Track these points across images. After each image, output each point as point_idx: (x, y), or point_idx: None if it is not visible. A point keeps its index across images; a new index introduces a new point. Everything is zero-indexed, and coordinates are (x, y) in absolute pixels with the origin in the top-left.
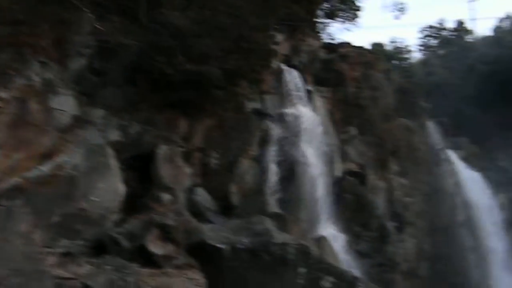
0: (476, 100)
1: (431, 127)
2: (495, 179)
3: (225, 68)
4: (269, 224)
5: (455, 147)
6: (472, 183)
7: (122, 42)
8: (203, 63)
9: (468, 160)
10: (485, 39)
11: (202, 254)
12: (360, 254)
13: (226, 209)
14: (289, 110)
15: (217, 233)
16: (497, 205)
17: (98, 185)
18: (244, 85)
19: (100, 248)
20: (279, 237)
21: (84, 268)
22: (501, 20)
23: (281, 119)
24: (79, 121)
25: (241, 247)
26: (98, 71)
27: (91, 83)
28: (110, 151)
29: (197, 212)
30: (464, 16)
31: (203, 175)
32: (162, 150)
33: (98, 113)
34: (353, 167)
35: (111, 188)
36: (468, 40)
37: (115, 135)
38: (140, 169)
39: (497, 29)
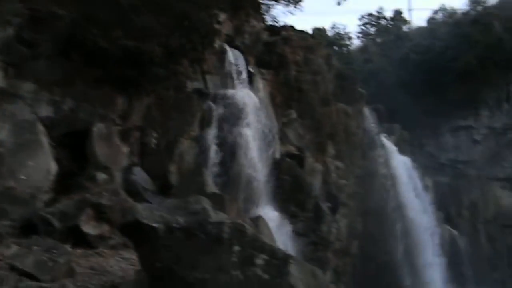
0: (409, 89)
1: (367, 112)
2: (423, 163)
3: (167, 46)
4: (206, 203)
5: (388, 133)
6: (403, 167)
7: (55, 11)
8: (143, 40)
9: (399, 145)
10: (420, 29)
11: (136, 234)
12: (295, 234)
13: (164, 189)
14: (230, 91)
15: (152, 212)
16: (424, 188)
17: (27, 163)
18: (186, 64)
19: (29, 228)
20: (216, 216)
21: (11, 249)
22: (435, 11)
23: (222, 100)
24: (6, 95)
25: (177, 226)
26: (28, 42)
27: (20, 54)
28: (41, 128)
29: (134, 192)
30: (402, 6)
31: (141, 154)
32: (98, 128)
33: (27, 87)
34: (292, 149)
35: (42, 166)
36: (404, 29)
37: (46, 111)
38: (74, 147)
39: (431, 20)
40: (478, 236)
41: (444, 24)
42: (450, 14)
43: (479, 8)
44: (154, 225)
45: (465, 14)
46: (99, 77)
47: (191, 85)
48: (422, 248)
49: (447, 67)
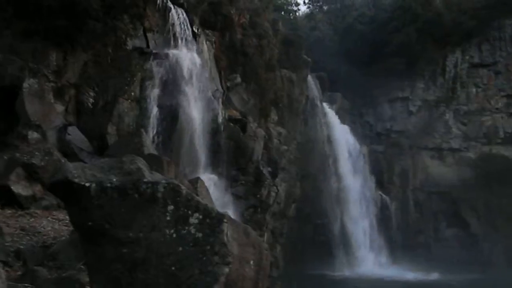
0: (352, 58)
1: (311, 80)
2: (361, 132)
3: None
4: (141, 164)
5: (330, 101)
6: (342, 135)
7: None
8: None
9: (340, 113)
10: (365, 0)
11: (67, 193)
12: (235, 197)
13: (102, 150)
14: (174, 51)
15: (84, 171)
16: (361, 155)
17: None
18: (126, 20)
19: None
20: (151, 176)
21: None
22: None
23: (165, 60)
24: None
25: (109, 186)
26: None
27: None
28: None
29: (69, 152)
30: None
31: (78, 113)
32: (29, 84)
33: None
34: (235, 114)
35: None
36: None
37: None
38: (2, 103)
39: None
40: (407, 202)
41: None
42: None
43: None
44: (85, 184)
45: None
46: (30, 29)
47: (132, 43)
48: (356, 211)
49: (389, 39)
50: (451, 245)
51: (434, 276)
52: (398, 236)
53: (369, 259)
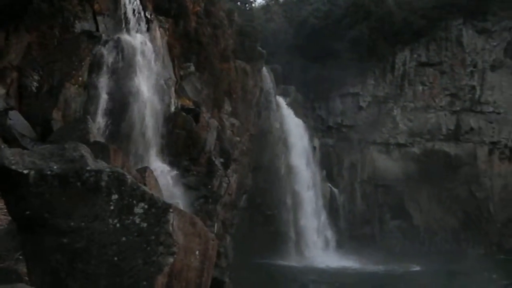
0: (306, 52)
1: (265, 72)
2: (313, 125)
3: None
4: (85, 151)
5: (284, 94)
6: (295, 128)
7: None
8: None
9: (293, 107)
10: None
11: (3, 181)
12: (187, 187)
13: (45, 136)
14: (125, 37)
15: (22, 158)
16: (312, 148)
17: None
18: (74, 1)
19: None
20: (95, 165)
21: None
22: None
23: (116, 45)
24: None
25: (50, 173)
26: None
27: None
28: None
29: (9, 138)
30: None
31: (20, 98)
32: None
33: None
34: (188, 103)
35: None
36: None
37: None
38: None
39: None
40: (355, 194)
41: None
42: None
43: None
44: (23, 171)
45: None
46: None
47: (80, 26)
48: (306, 203)
49: (342, 35)
50: (395, 236)
51: (378, 266)
52: (346, 227)
53: (318, 249)
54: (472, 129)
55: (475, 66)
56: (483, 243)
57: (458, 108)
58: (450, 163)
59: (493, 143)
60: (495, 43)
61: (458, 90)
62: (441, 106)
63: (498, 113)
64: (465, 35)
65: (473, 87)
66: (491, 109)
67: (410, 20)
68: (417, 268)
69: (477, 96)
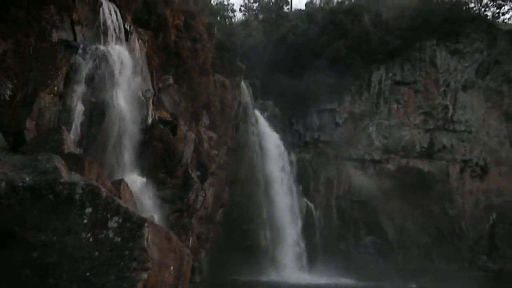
0: (285, 68)
1: (244, 86)
2: (290, 140)
3: None
4: (59, 163)
5: (262, 109)
6: (272, 142)
7: None
8: None
9: (271, 121)
10: (299, 12)
11: None
12: (162, 200)
13: (18, 146)
14: (103, 47)
15: None
16: (289, 163)
17: None
18: (52, 10)
19: None
20: (69, 177)
21: None
22: None
23: (93, 56)
24: None
25: (21, 185)
26: None
27: None
28: None
29: None
30: None
31: None
32: None
33: None
34: (165, 116)
35: None
36: (285, 10)
37: None
38: None
39: (309, 5)
40: (330, 209)
41: (321, 10)
42: (327, 1)
43: None
44: None
45: (340, 3)
46: None
47: (57, 35)
48: (282, 218)
49: (319, 52)
50: (369, 252)
51: (352, 281)
52: (321, 242)
53: (293, 264)
54: (444, 147)
55: (448, 86)
56: (455, 260)
57: (431, 126)
58: (423, 180)
59: (464, 161)
60: (467, 64)
61: (432, 109)
62: (415, 124)
63: (470, 132)
64: (438, 56)
65: (446, 106)
66: (463, 128)
67: (386, 40)
68: (390, 284)
69: (449, 115)
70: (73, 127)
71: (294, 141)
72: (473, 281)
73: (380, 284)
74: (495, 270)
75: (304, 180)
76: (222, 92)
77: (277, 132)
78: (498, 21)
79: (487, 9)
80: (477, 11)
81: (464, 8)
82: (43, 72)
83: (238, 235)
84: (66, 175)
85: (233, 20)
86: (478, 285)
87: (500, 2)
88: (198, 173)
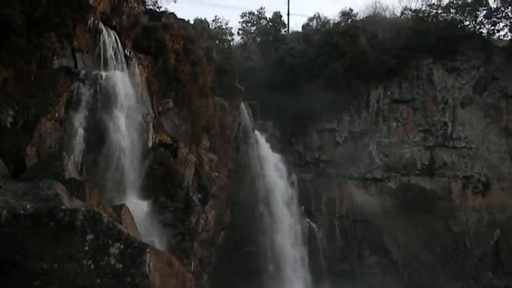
0: (283, 89)
1: (243, 108)
2: (291, 160)
3: (31, 15)
4: (60, 189)
5: (262, 130)
6: (273, 163)
7: None
8: (3, 4)
9: (271, 142)
10: (296, 34)
11: None
12: (163, 224)
13: (18, 173)
14: (103, 73)
15: None
16: (290, 183)
17: None
18: (53, 38)
19: None
20: (70, 203)
21: None
22: (311, 19)
23: (94, 81)
24: None
25: (23, 213)
26: None
27: None
28: None
29: None
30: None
31: None
32: None
33: None
34: (166, 139)
35: None
36: (282, 32)
37: None
38: None
39: (306, 27)
40: (334, 229)
41: (318, 32)
42: (323, 23)
43: (349, 20)
44: None
45: (336, 24)
46: None
47: (59, 62)
48: (285, 239)
49: (317, 73)
50: (374, 272)
51: None
52: (325, 263)
53: (297, 286)
54: (445, 163)
55: (446, 103)
56: (461, 277)
57: (431, 144)
58: (425, 198)
59: (466, 177)
60: (464, 81)
61: (431, 126)
62: (415, 142)
63: (470, 148)
64: (435, 74)
65: (445, 123)
66: (463, 144)
67: (383, 60)
68: None
69: (449, 131)
70: (74, 152)
71: (294, 161)
72: None
73: None
74: (500, 286)
75: (306, 200)
76: (221, 114)
77: (278, 152)
78: (493, 38)
79: (482, 26)
80: (472, 29)
81: (459, 26)
82: (44, 98)
83: (240, 258)
84: (67, 202)
85: (231, 43)
86: None
87: (495, 19)
88: (199, 195)
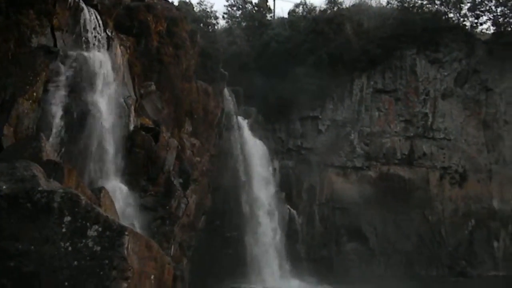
0: (268, 75)
1: (227, 94)
2: (273, 147)
3: None
4: (37, 170)
5: (245, 115)
6: (255, 149)
7: None
8: None
9: (254, 128)
10: (282, 20)
11: None
12: (144, 208)
13: None
14: (84, 53)
15: None
16: (272, 170)
17: None
18: (32, 16)
19: None
20: (47, 185)
21: None
22: (297, 5)
23: (74, 61)
24: None
25: None
26: None
27: None
28: None
29: None
30: None
31: None
32: None
33: None
34: (147, 122)
35: None
36: (268, 18)
37: None
38: None
39: (292, 13)
40: (313, 216)
41: (304, 19)
42: (309, 9)
43: (335, 8)
44: None
45: (322, 12)
46: None
47: (37, 41)
48: (265, 225)
49: (302, 60)
50: (351, 259)
51: None
52: (304, 249)
53: (276, 271)
54: (424, 154)
55: (427, 94)
56: (435, 266)
57: (411, 134)
58: (404, 187)
59: (444, 168)
60: (446, 73)
61: (412, 117)
62: (395, 132)
63: (449, 140)
64: (418, 65)
65: (426, 114)
66: (442, 135)
67: (367, 49)
68: None
69: (429, 123)
70: (52, 134)
71: (277, 148)
72: (453, 287)
73: None
74: (474, 275)
75: (287, 187)
76: (205, 99)
77: (260, 139)
78: (476, 31)
79: (465, 19)
80: (456, 21)
81: (444, 18)
82: (22, 77)
83: (221, 242)
84: (44, 183)
85: (216, 27)
86: None
87: (478, 12)
88: (180, 180)
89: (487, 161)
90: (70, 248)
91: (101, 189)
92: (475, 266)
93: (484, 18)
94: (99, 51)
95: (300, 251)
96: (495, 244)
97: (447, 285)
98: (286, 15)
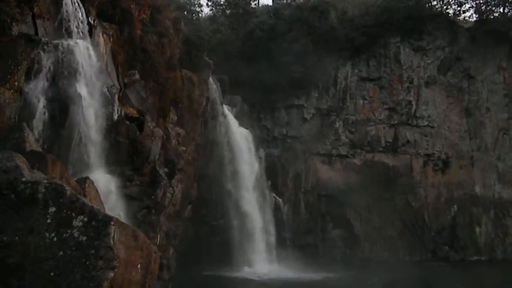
0: (253, 63)
1: (212, 82)
2: (258, 136)
3: None
4: (20, 161)
5: (230, 104)
6: (241, 138)
7: None
8: None
9: (239, 117)
10: (266, 7)
11: None
12: (129, 197)
13: None
14: (66, 42)
15: None
16: (257, 158)
17: None
18: (12, 3)
19: None
20: (31, 175)
21: None
22: None
23: (55, 50)
24: None
25: None
26: None
27: None
28: None
29: None
30: None
31: None
32: None
33: None
34: (132, 112)
35: None
36: (252, 5)
37: None
38: None
39: (276, 1)
40: (299, 203)
41: (288, 7)
42: None
43: None
44: None
45: (307, 0)
46: None
47: (18, 29)
48: (251, 213)
49: (287, 48)
50: (336, 245)
51: (319, 274)
52: (290, 237)
53: (263, 259)
54: (408, 141)
55: (411, 82)
56: (419, 251)
57: (396, 122)
58: (388, 174)
59: (427, 155)
60: (429, 61)
61: (396, 105)
62: (380, 119)
63: (432, 127)
64: (402, 53)
65: (410, 102)
66: (425, 123)
67: (352, 37)
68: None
69: (413, 110)
70: (35, 124)
71: (262, 136)
72: (436, 271)
73: (345, 276)
74: (456, 260)
75: (273, 175)
76: (189, 87)
77: (246, 127)
78: (459, 19)
79: (448, 7)
80: (439, 9)
81: (427, 5)
82: (3, 67)
83: (207, 231)
84: (28, 174)
85: (200, 15)
86: (440, 274)
87: (461, 0)
88: (166, 169)
89: (469, 148)
90: (55, 239)
91: (85, 179)
92: (458, 251)
93: (467, 6)
94: (81, 39)
95: (286, 238)
96: (477, 229)
97: (430, 269)
98: (270, 3)
